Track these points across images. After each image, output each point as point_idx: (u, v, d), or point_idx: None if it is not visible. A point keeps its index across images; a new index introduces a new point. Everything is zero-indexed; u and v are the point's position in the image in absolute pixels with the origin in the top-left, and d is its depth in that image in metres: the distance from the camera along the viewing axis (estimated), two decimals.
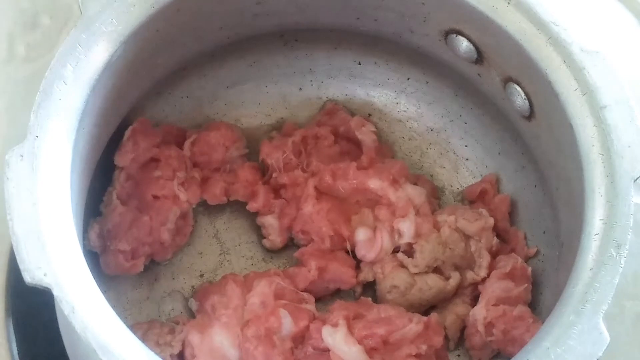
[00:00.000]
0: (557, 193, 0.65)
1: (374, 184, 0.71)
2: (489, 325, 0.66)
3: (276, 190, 0.73)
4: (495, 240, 0.71)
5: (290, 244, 0.74)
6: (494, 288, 0.67)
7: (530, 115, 0.65)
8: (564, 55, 0.58)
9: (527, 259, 0.70)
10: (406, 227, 0.70)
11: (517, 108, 0.65)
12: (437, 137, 0.77)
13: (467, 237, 0.70)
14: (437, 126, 0.77)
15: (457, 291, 0.71)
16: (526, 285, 0.68)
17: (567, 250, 0.61)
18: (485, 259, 0.70)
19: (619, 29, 0.79)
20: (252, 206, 0.73)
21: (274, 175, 0.73)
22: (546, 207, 0.68)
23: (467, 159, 0.76)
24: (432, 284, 0.70)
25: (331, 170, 0.72)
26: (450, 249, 0.70)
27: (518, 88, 0.64)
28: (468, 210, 0.71)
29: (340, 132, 0.75)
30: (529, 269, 0.68)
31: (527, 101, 0.64)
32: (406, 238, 0.70)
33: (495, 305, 0.67)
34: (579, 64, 0.58)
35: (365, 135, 0.74)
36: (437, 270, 0.70)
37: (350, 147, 0.76)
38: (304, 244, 0.72)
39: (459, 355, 0.71)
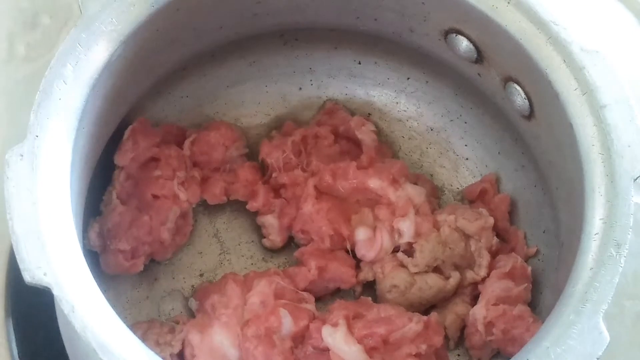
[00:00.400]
0: (557, 192, 0.65)
1: (374, 183, 0.71)
2: (489, 325, 0.66)
3: (276, 190, 0.73)
4: (495, 239, 0.71)
5: (290, 244, 0.74)
6: (493, 287, 0.67)
7: (530, 115, 0.65)
8: (564, 55, 0.58)
9: (527, 259, 0.70)
10: (406, 227, 0.70)
11: (517, 107, 0.65)
12: (437, 136, 0.77)
13: (467, 237, 0.70)
14: (437, 126, 0.77)
15: (457, 290, 0.71)
16: (526, 284, 0.68)
17: (567, 250, 0.61)
18: (485, 259, 0.70)
19: (619, 29, 0.79)
20: (252, 206, 0.73)
21: (274, 174, 0.73)
22: (546, 207, 0.68)
23: (467, 159, 0.76)
24: (432, 283, 0.70)
25: (331, 169, 0.72)
26: (450, 248, 0.70)
27: (518, 87, 0.64)
28: (468, 209, 0.71)
29: (340, 131, 0.75)
30: (529, 268, 0.68)
31: (527, 101, 0.64)
32: (406, 237, 0.70)
33: (495, 304, 0.67)
34: (579, 64, 0.58)
35: (365, 134, 0.74)
36: (437, 269, 0.70)
37: (350, 147, 0.76)
38: (304, 244, 0.72)
39: (459, 355, 0.71)
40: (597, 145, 0.57)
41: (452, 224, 0.70)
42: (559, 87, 0.58)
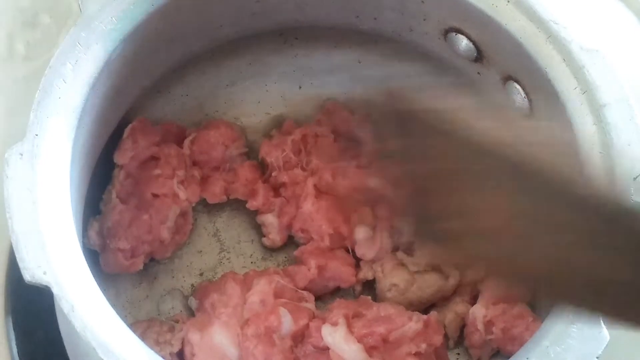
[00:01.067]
0: None
1: (374, 182, 0.71)
2: (489, 324, 0.66)
3: (276, 189, 0.73)
4: None
5: (290, 243, 0.74)
6: (493, 286, 0.67)
7: (530, 114, 0.65)
8: (564, 54, 0.58)
9: None
10: (406, 226, 0.70)
11: (516, 107, 0.65)
12: None
13: None
14: None
15: (457, 289, 0.71)
16: None
17: None
18: None
19: (619, 28, 0.79)
20: (251, 205, 0.73)
21: (274, 173, 0.73)
22: None
23: None
24: (431, 282, 0.70)
25: (331, 168, 0.72)
26: None
27: (518, 86, 0.64)
28: None
29: (340, 130, 0.75)
30: None
31: (526, 100, 0.64)
32: (406, 236, 0.70)
33: (495, 303, 0.67)
34: (579, 63, 0.58)
35: (365, 133, 0.74)
36: (436, 268, 0.70)
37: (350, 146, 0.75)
38: (304, 243, 0.72)
39: (458, 354, 0.71)
40: (597, 144, 0.57)
41: None
42: (559, 86, 0.58)
